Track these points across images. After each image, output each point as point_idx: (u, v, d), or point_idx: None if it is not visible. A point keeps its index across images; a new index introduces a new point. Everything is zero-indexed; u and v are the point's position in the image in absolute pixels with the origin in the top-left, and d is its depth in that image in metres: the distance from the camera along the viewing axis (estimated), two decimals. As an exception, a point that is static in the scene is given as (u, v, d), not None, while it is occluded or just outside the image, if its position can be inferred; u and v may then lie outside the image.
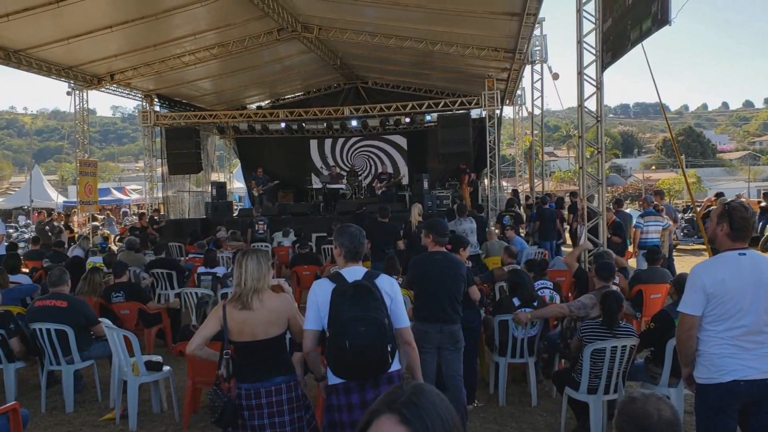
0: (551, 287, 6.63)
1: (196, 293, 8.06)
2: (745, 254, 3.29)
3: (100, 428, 5.57)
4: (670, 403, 2.07)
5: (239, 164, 24.81)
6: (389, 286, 3.39)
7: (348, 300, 3.21)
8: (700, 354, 3.35)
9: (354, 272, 3.41)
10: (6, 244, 11.80)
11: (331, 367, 3.29)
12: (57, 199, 31.67)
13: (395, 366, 3.31)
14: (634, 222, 10.94)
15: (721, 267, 3.30)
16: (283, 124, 20.41)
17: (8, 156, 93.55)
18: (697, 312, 3.30)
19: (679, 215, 19.43)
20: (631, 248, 10.95)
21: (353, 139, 22.17)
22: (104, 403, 6.16)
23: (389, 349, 3.19)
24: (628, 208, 17.57)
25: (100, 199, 22.27)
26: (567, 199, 17.67)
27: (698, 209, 15.19)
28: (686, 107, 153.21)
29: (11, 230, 21.74)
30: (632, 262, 10.82)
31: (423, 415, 1.21)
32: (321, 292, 3.36)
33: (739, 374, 3.20)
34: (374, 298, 3.25)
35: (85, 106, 18.08)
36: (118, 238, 19.58)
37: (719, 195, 15.39)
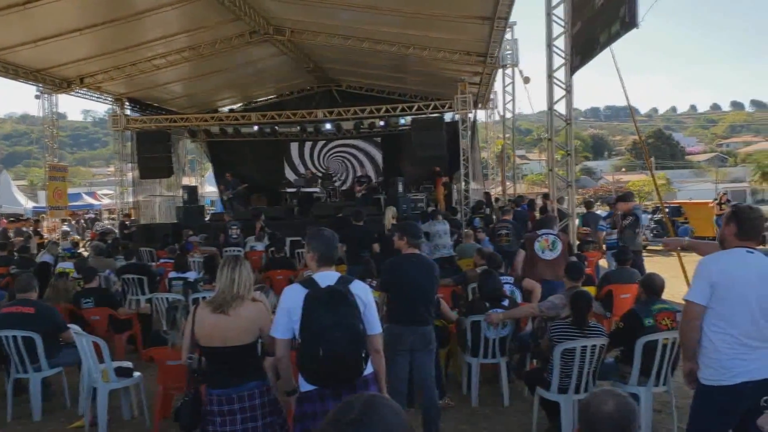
0: (511, 282, 6.70)
1: (167, 298, 7.98)
2: (753, 252, 3.31)
3: (68, 436, 5.48)
4: (624, 400, 2.08)
5: (211, 168, 24.61)
6: (363, 292, 3.38)
7: (322, 306, 3.18)
8: (706, 353, 3.30)
9: (327, 277, 3.38)
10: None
11: (303, 374, 3.25)
12: (26, 204, 31.11)
13: (368, 370, 3.31)
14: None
15: (729, 259, 3.33)
16: (255, 127, 20.29)
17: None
18: (701, 300, 3.28)
19: (648, 216, 19.80)
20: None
21: (327, 143, 22.13)
22: (73, 410, 6.05)
23: (362, 355, 3.19)
24: (599, 210, 17.81)
25: (70, 204, 21.96)
26: (539, 201, 17.85)
27: (666, 210, 15.45)
28: (655, 110, 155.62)
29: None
30: (602, 263, 10.97)
31: None
32: (293, 297, 3.31)
33: (748, 376, 3.18)
34: (348, 303, 3.23)
35: (55, 110, 17.84)
36: (87, 243, 19.29)
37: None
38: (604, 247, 10.59)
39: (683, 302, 3.42)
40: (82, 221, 31.40)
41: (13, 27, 12.21)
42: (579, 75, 8.77)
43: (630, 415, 2.06)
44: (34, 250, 14.36)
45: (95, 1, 11.60)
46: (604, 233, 10.49)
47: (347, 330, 3.13)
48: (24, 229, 16.68)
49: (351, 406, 1.27)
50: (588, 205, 12.57)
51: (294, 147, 22.31)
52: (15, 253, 11.76)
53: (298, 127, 20.38)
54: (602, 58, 7.83)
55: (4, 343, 5.80)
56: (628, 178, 51.91)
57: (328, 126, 20.21)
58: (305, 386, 3.27)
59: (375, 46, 14.24)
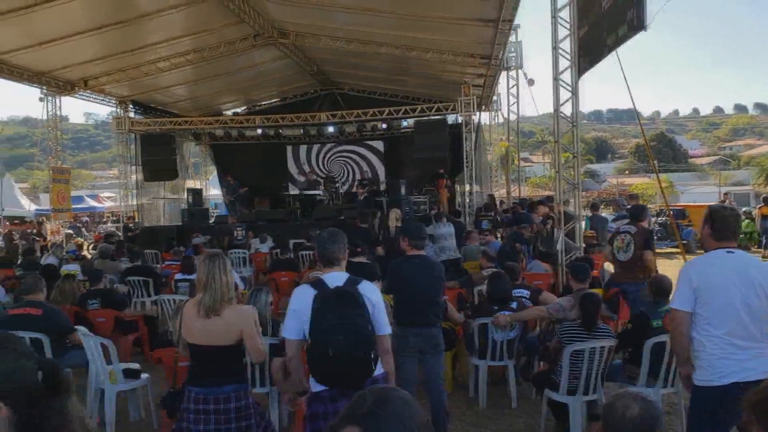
0: (527, 296, 6.62)
1: (173, 300, 7.98)
2: (733, 252, 3.32)
3: (76, 438, 5.46)
4: (649, 405, 2.07)
5: (215, 171, 24.67)
6: (371, 292, 3.38)
7: (330, 306, 3.19)
8: (698, 355, 3.32)
9: (336, 278, 3.39)
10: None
11: (314, 374, 3.26)
12: (29, 207, 31.14)
13: (379, 370, 3.31)
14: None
15: (708, 262, 3.35)
16: (259, 131, 20.34)
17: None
18: (684, 307, 3.31)
19: (653, 219, 19.76)
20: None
21: (330, 145, 22.18)
22: (80, 412, 6.05)
23: (372, 355, 3.19)
24: (604, 212, 17.81)
25: (73, 206, 21.98)
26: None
27: (671, 213, 15.44)
28: (658, 113, 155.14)
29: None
30: (608, 265, 10.95)
31: (384, 426, 1.22)
32: (301, 298, 3.33)
33: (739, 376, 3.16)
34: (357, 304, 3.23)
35: (58, 112, 17.86)
36: (92, 245, 19.31)
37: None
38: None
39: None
40: (79, 224, 31.42)
41: (18, 30, 12.25)
42: (580, 78, 8.75)
43: (655, 421, 2.05)
44: (38, 252, 14.38)
45: (99, 3, 11.64)
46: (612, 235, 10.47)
47: (355, 330, 3.14)
48: (28, 231, 16.70)
49: (363, 400, 1.28)
50: (594, 207, 12.56)
51: (297, 150, 22.36)
52: (20, 256, 11.80)
53: (301, 130, 20.40)
54: (604, 60, 7.86)
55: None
56: (632, 181, 51.86)
57: (330, 129, 20.25)
58: (316, 387, 3.27)
59: (378, 49, 14.27)
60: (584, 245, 9.73)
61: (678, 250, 12.97)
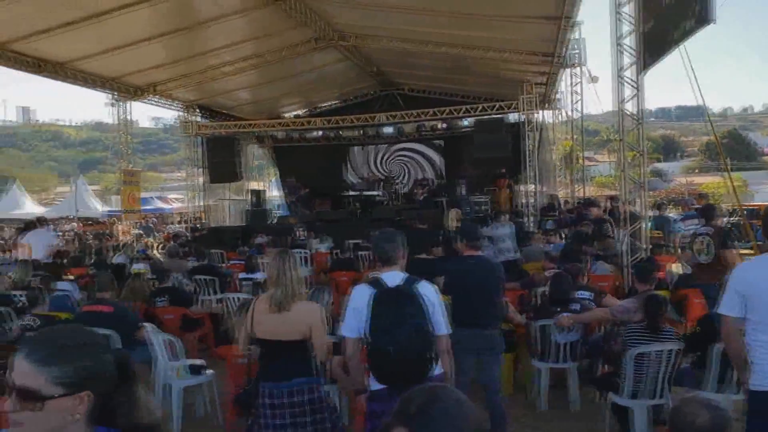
0: (590, 298, 6.46)
1: (237, 298, 8.17)
2: None
3: None
4: (719, 414, 1.99)
5: (277, 172, 25.10)
6: (430, 292, 3.38)
7: (388, 305, 3.21)
8: (752, 360, 3.24)
9: (393, 277, 3.41)
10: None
11: (373, 373, 3.29)
12: (100, 208, 32.43)
13: (438, 370, 3.31)
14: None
15: (756, 266, 3.24)
16: (319, 132, 20.60)
17: (54, 167, 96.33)
18: (730, 312, 3.22)
19: (725, 219, 18.97)
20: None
21: (389, 146, 22.23)
22: (148, 406, 6.25)
23: (431, 355, 3.18)
24: (672, 212, 17.25)
25: (143, 208, 22.77)
26: (606, 204, 17.41)
27: (744, 213, 14.79)
28: (729, 109, 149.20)
29: (56, 240, 22.34)
30: (675, 267, 10.60)
31: (432, 427, 1.22)
32: (360, 297, 3.36)
33: None
34: (414, 303, 3.24)
35: (127, 117, 18.51)
36: (160, 245, 19.95)
37: None
38: (678, 251, 10.23)
39: None
40: (150, 224, 32.51)
41: (88, 37, 12.73)
42: (647, 75, 8.49)
43: (725, 430, 1.97)
44: (110, 252, 14.96)
45: (165, 10, 11.99)
46: (679, 236, 10.14)
47: (413, 329, 3.14)
48: (101, 231, 17.39)
49: (413, 398, 1.28)
50: (660, 207, 12.17)
51: (356, 151, 22.52)
52: (92, 255, 12.30)
53: (361, 131, 20.53)
54: (671, 55, 7.60)
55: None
56: (701, 180, 49.96)
57: (389, 129, 20.28)
58: (375, 385, 3.29)
59: (437, 49, 14.20)
60: (650, 246, 9.44)
61: (752, 251, 12.41)
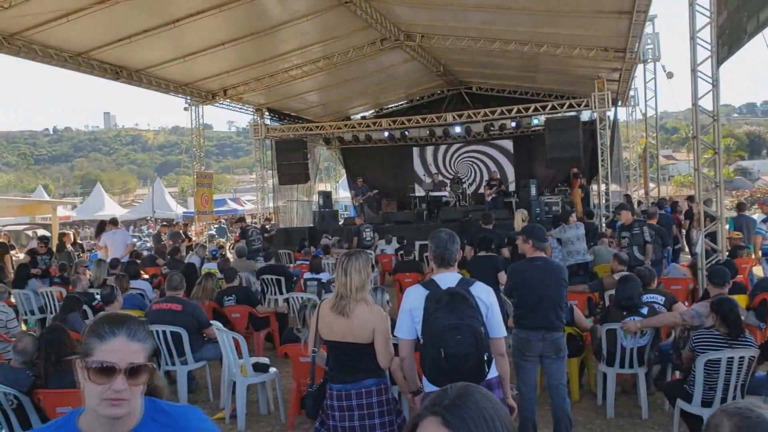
0: (661, 302, 6.17)
1: (302, 298, 8.26)
2: None
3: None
4: (743, 421, 1.83)
5: (344, 174, 25.36)
6: (485, 294, 3.30)
7: (442, 307, 3.15)
8: None
9: (448, 279, 3.35)
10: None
11: (426, 375, 3.24)
12: (177, 209, 33.62)
13: (492, 373, 3.22)
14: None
15: None
16: (386, 133, 20.64)
17: (133, 170, 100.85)
18: None
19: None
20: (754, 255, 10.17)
21: (456, 146, 22.04)
22: (215, 402, 6.41)
23: (485, 357, 3.11)
24: (756, 213, 16.37)
25: (216, 209, 23.44)
26: (684, 204, 16.70)
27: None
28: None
29: (135, 239, 23.29)
30: (757, 270, 10.07)
31: (466, 418, 1.24)
32: (414, 298, 3.32)
33: None
34: (469, 305, 3.17)
35: (201, 121, 19.11)
36: (231, 246, 20.46)
37: None
38: (759, 253, 9.69)
39: None
40: (224, 225, 33.46)
41: (164, 44, 13.22)
42: (731, 68, 8.08)
43: None
44: (184, 252, 15.44)
45: (236, 16, 12.28)
46: (761, 238, 9.60)
47: (467, 332, 3.07)
48: (177, 231, 17.94)
49: (446, 393, 1.33)
50: (740, 207, 11.56)
51: (423, 151, 22.44)
52: (167, 255, 12.72)
53: (428, 131, 20.46)
54: (759, 47, 7.17)
55: (155, 337, 6.24)
56: (790, 179, 47.34)
57: (457, 129, 20.09)
58: (429, 387, 3.24)
59: (506, 47, 13.96)
60: (730, 248, 8.98)
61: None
